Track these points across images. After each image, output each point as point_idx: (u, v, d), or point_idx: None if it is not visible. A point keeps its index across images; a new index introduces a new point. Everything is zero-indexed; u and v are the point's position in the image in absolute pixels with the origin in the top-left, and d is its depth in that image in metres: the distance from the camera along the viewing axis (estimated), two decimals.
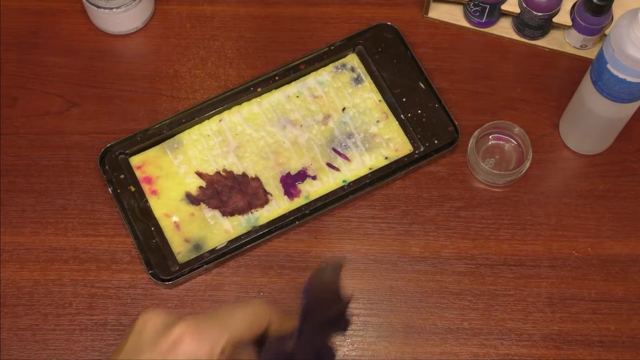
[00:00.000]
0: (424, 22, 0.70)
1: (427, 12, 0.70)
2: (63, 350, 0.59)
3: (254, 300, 0.50)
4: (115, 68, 0.68)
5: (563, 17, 0.67)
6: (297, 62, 0.67)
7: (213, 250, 0.61)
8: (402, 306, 0.61)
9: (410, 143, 0.64)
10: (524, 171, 0.64)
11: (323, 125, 0.65)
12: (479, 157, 0.64)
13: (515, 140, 0.65)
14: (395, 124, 0.65)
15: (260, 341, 0.48)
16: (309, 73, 0.66)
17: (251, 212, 0.62)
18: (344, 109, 0.65)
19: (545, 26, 0.68)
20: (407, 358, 0.59)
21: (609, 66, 0.56)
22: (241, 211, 0.62)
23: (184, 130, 0.64)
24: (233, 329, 0.48)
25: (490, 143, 0.66)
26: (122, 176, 0.63)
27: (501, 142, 0.66)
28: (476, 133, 0.64)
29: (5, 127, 0.66)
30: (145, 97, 0.67)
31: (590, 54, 0.68)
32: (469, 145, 0.64)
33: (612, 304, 0.61)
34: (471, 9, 0.68)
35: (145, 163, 0.63)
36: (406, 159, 0.64)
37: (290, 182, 0.63)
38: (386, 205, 0.64)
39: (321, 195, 0.63)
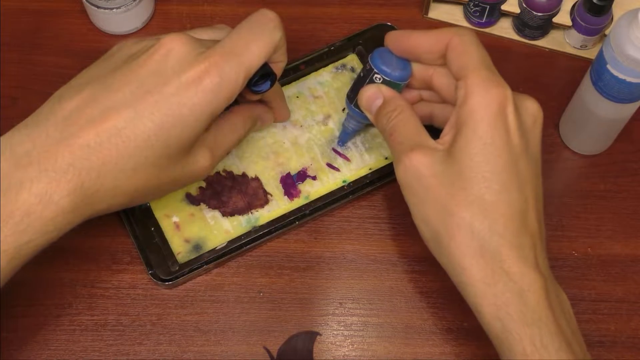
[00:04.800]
0: (424, 22, 0.70)
1: (427, 12, 0.70)
2: (63, 350, 0.59)
3: (265, 24, 0.55)
4: None
5: (563, 17, 0.67)
6: (297, 63, 0.67)
7: (213, 251, 0.61)
8: (402, 306, 0.61)
9: None
10: None
11: (323, 126, 0.65)
12: None
13: None
14: None
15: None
16: (309, 73, 0.66)
17: (251, 212, 0.62)
18: (344, 109, 0.65)
19: (545, 26, 0.68)
20: (407, 358, 0.59)
21: (608, 66, 0.56)
22: (241, 211, 0.62)
23: None
24: (249, 64, 0.53)
25: None
26: None
27: None
28: None
29: (5, 127, 0.65)
30: None
31: (590, 54, 0.68)
32: None
33: (612, 304, 0.61)
34: (471, 9, 0.69)
35: None
36: None
37: (290, 182, 0.63)
38: (386, 205, 0.64)
39: (321, 195, 0.63)
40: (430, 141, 0.53)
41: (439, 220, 0.51)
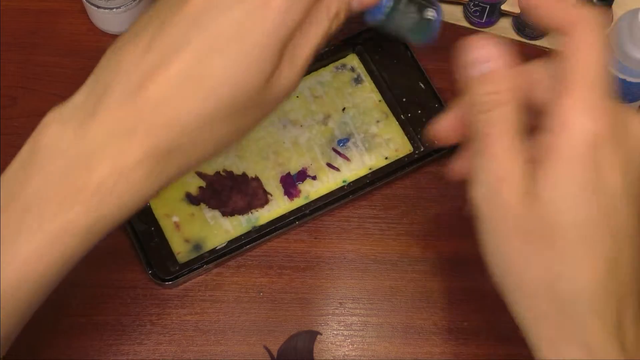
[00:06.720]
0: None
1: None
2: (63, 350, 0.59)
3: None
4: None
5: None
6: None
7: (213, 251, 0.61)
8: (402, 306, 0.61)
9: (411, 143, 0.64)
10: None
11: (323, 125, 0.65)
12: None
13: None
14: (395, 124, 0.65)
15: None
16: (309, 73, 0.66)
17: (251, 212, 0.62)
18: (344, 109, 0.65)
19: None
20: (407, 358, 0.59)
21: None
22: (241, 211, 0.62)
23: None
24: None
25: None
26: None
27: None
28: None
29: (5, 127, 0.66)
30: None
31: None
32: None
33: None
34: (471, 9, 0.69)
35: None
36: (406, 159, 0.64)
37: (290, 182, 0.63)
38: (386, 205, 0.64)
39: (321, 195, 0.63)
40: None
41: (521, 266, 0.42)
